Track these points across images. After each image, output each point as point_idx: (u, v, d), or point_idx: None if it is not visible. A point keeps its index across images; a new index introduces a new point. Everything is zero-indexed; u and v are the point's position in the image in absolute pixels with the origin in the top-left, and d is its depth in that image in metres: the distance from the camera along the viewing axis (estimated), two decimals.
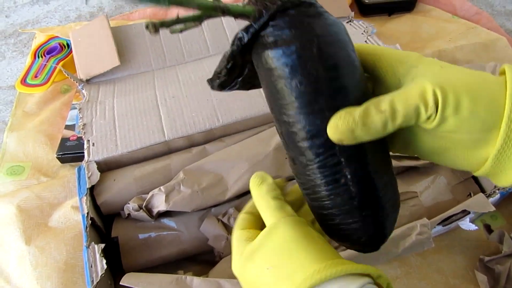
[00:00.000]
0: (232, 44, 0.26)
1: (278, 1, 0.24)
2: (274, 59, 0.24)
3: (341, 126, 0.23)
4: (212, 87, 0.29)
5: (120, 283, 0.39)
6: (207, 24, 0.69)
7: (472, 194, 0.48)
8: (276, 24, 0.24)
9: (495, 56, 0.69)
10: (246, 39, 0.25)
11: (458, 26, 0.75)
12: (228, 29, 0.69)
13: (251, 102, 0.54)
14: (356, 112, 0.23)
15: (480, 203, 0.44)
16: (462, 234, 0.51)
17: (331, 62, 0.24)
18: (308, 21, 0.24)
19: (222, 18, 0.70)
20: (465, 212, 0.43)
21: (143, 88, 0.60)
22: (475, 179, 0.49)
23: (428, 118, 0.23)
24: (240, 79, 0.29)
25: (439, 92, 0.23)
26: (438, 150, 0.26)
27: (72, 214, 0.55)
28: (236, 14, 0.25)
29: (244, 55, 0.26)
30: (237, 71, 0.28)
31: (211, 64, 0.62)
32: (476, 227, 0.43)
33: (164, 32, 0.69)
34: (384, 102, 0.23)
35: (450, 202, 0.47)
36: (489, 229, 0.47)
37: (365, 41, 0.62)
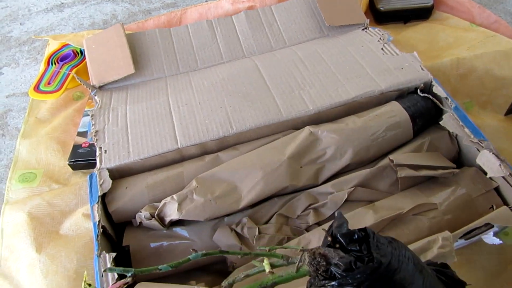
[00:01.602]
0: None
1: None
2: None
3: None
4: None
5: None
6: (220, 30, 0.69)
7: (494, 207, 0.46)
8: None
9: None
10: None
11: (477, 35, 0.73)
12: (242, 36, 0.68)
13: (265, 110, 0.54)
14: None
15: (505, 216, 0.42)
16: (482, 248, 0.49)
17: None
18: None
19: (236, 24, 0.69)
20: (488, 226, 0.42)
21: (155, 95, 0.59)
22: (498, 191, 0.48)
23: None
24: None
25: None
26: None
27: (83, 222, 0.55)
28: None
29: None
30: None
31: (224, 71, 0.62)
32: (501, 241, 0.42)
33: (177, 39, 0.69)
34: None
35: (472, 214, 0.45)
36: None
37: (382, 49, 0.61)
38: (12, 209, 0.57)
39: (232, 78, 0.60)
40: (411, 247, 0.39)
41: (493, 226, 0.42)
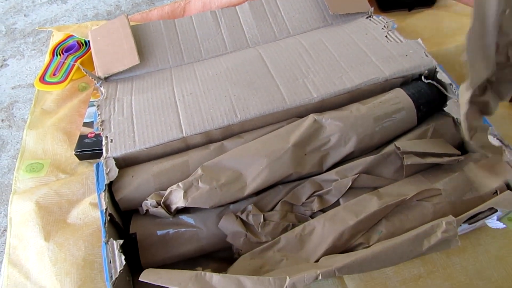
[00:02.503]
0: None
1: None
2: None
3: None
4: None
5: (139, 279, 0.39)
6: (224, 21, 0.69)
7: (498, 192, 0.46)
8: None
9: None
10: None
11: None
12: (246, 26, 0.68)
13: (269, 98, 0.54)
14: None
15: (508, 201, 0.42)
16: (487, 232, 0.49)
17: None
18: None
19: (239, 14, 0.69)
20: (492, 210, 0.42)
21: (160, 85, 0.59)
22: None
23: None
24: None
25: None
26: None
27: (90, 210, 0.56)
28: None
29: None
30: None
31: (229, 61, 0.62)
32: (504, 226, 0.42)
33: (181, 30, 0.69)
34: None
35: (476, 200, 0.46)
36: None
37: (386, 36, 0.61)
38: (20, 198, 0.58)
39: (236, 67, 0.60)
40: (415, 232, 0.39)
41: (496, 211, 0.42)
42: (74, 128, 0.66)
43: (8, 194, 0.59)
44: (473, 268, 0.47)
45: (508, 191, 0.44)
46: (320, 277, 0.35)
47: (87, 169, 0.62)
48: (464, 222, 0.41)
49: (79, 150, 0.61)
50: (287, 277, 0.36)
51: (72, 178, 0.60)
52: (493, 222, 0.42)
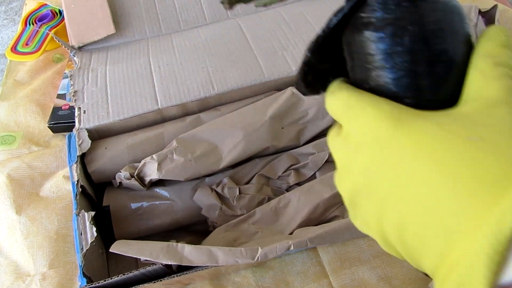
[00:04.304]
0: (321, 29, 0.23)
1: None
2: (367, 44, 0.21)
3: None
4: (299, 87, 0.26)
5: (110, 250, 0.38)
6: None
7: None
8: (369, 4, 0.21)
9: None
10: (335, 20, 0.22)
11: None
12: None
13: (247, 71, 0.53)
14: None
15: None
16: None
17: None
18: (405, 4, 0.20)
19: None
20: None
21: (136, 55, 0.58)
22: None
23: None
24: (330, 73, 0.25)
25: None
26: None
27: (64, 183, 0.54)
28: None
29: (334, 41, 0.23)
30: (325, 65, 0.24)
31: (207, 32, 0.60)
32: None
33: (160, 0, 0.67)
34: None
35: None
36: None
37: None
38: None
39: (214, 39, 0.58)
40: None
41: None
42: (48, 100, 0.64)
43: None
44: None
45: None
46: (292, 248, 0.35)
47: (61, 142, 0.60)
48: None
49: (53, 122, 0.59)
50: (259, 248, 0.36)
51: (46, 151, 0.58)
52: None
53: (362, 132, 0.20)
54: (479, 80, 0.19)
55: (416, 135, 0.18)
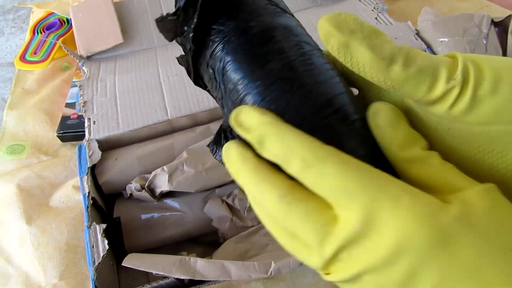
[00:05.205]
0: None
1: None
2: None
3: (340, 28, 0.18)
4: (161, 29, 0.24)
5: (122, 264, 0.38)
6: None
7: None
8: None
9: None
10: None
11: (473, 4, 0.72)
12: None
13: None
14: (365, 25, 0.19)
15: None
16: None
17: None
18: None
19: None
20: None
21: (145, 65, 0.58)
22: None
23: (446, 93, 0.17)
24: (193, 26, 0.23)
25: (471, 66, 0.17)
26: (467, 156, 0.19)
27: (73, 194, 0.54)
28: None
29: None
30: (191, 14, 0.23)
31: None
32: None
33: (166, 8, 0.67)
34: (401, 46, 0.18)
35: None
36: None
37: (375, 18, 0.60)
38: (1, 181, 0.56)
39: None
40: None
41: None
42: (56, 109, 0.65)
43: None
44: None
45: None
46: None
47: (69, 151, 0.60)
48: None
49: (62, 131, 0.59)
50: (272, 262, 0.35)
51: (55, 161, 0.58)
52: None
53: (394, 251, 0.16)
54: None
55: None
